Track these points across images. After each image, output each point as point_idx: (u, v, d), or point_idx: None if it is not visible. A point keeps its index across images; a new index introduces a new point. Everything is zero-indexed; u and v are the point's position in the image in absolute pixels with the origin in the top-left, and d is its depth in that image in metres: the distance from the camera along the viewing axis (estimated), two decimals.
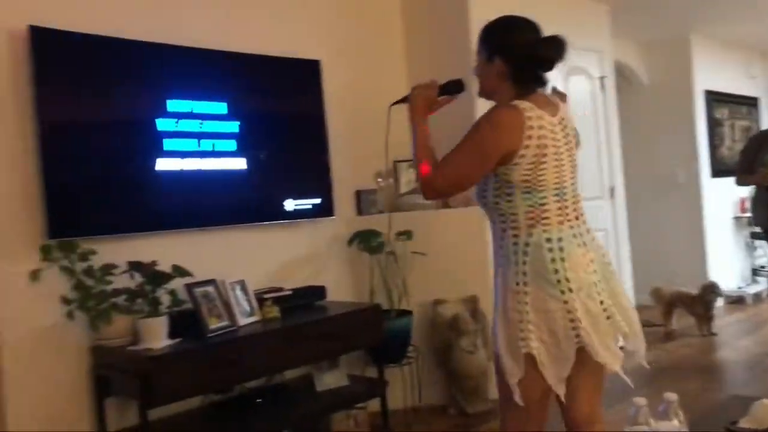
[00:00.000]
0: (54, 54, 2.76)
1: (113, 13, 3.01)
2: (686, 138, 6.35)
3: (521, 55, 1.85)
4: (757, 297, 6.50)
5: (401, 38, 4.42)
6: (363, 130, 4.11)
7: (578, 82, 4.85)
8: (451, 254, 3.95)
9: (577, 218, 1.88)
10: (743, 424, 1.75)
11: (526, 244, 1.83)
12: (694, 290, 5.21)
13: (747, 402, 1.82)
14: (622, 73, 6.21)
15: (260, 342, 2.87)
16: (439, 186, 1.90)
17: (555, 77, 4.77)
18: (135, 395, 2.60)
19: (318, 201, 3.65)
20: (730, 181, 6.73)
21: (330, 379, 3.31)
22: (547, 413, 1.90)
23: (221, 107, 3.26)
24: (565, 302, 1.76)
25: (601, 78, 5.06)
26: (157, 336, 2.66)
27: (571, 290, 1.77)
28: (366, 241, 3.72)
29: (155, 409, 2.64)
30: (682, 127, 6.35)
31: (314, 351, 3.07)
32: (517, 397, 1.82)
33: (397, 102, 2.12)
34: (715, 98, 6.60)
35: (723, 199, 6.59)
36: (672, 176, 6.35)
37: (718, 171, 6.53)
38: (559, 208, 1.84)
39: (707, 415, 1.98)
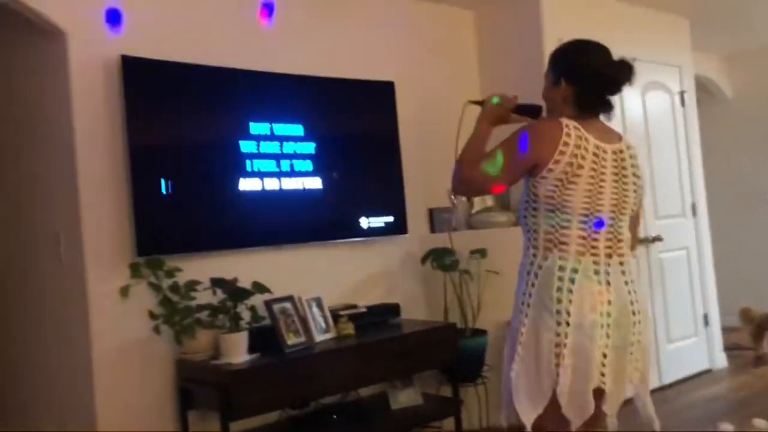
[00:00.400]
0: (144, 81, 2.92)
1: (198, 42, 3.15)
2: None
3: (587, 77, 1.85)
4: None
5: (475, 58, 4.43)
6: (436, 148, 4.13)
7: (656, 97, 4.73)
8: None
9: (610, 255, 1.78)
10: None
11: (539, 267, 1.79)
12: None
13: None
14: (703, 87, 6.01)
15: (336, 359, 2.91)
16: (467, 178, 1.88)
17: (631, 92, 4.68)
18: (216, 408, 2.68)
19: (391, 219, 3.70)
20: None
21: (404, 398, 3.32)
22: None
23: (298, 129, 3.36)
24: (557, 335, 1.71)
25: (681, 93, 4.91)
26: (238, 351, 2.75)
27: (568, 324, 1.70)
28: (439, 259, 3.72)
29: (235, 422, 2.71)
30: None
31: (389, 369, 3.09)
32: (502, 418, 1.85)
33: (474, 102, 2.14)
34: None
35: None
36: (760, 192, 6.08)
37: None
38: (583, 237, 1.77)
39: None
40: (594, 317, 1.71)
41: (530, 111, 2.04)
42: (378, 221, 3.64)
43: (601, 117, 1.91)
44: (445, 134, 4.15)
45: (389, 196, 3.74)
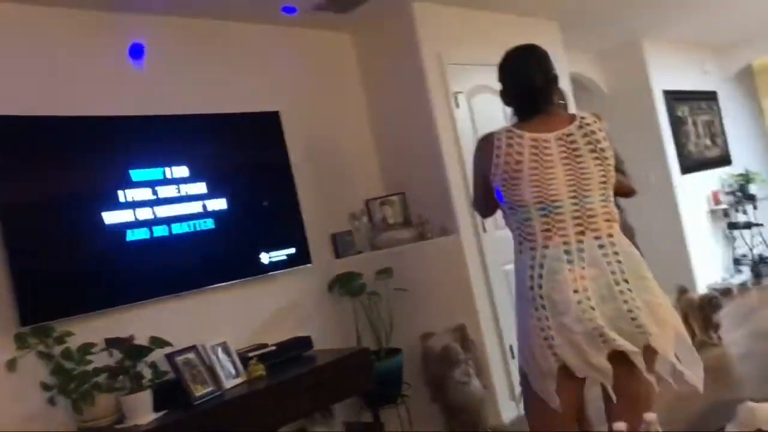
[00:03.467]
0: (9, 139, 2.75)
1: (66, 93, 3.02)
2: (652, 139, 6.42)
3: (506, 87, 2.05)
4: (743, 286, 6.54)
5: (358, 80, 4.46)
6: (331, 173, 4.13)
7: None
8: (434, 286, 3.95)
9: (581, 233, 1.84)
10: (730, 428, 1.74)
11: (517, 261, 1.91)
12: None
13: (735, 405, 1.81)
14: (581, 84, 6.30)
15: (248, 403, 2.82)
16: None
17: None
18: None
19: (293, 250, 3.64)
20: (700, 176, 6.84)
21: (324, 430, 3.27)
22: (572, 420, 1.92)
23: (184, 170, 3.26)
24: (539, 319, 1.79)
25: None
26: (143, 411, 2.62)
27: (544, 307, 1.79)
28: (346, 284, 3.71)
29: None
30: (647, 128, 6.42)
31: (305, 404, 3.03)
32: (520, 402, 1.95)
33: None
34: (674, 97, 6.70)
35: (696, 194, 6.65)
36: (643, 178, 6.36)
37: (687, 167, 6.61)
38: (546, 223, 1.85)
39: (696, 422, 1.97)
40: (568, 296, 1.77)
41: None
42: (279, 254, 3.58)
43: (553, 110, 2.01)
44: (339, 158, 4.20)
45: (288, 227, 3.68)
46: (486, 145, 1.95)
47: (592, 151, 1.89)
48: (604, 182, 1.89)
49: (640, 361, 1.78)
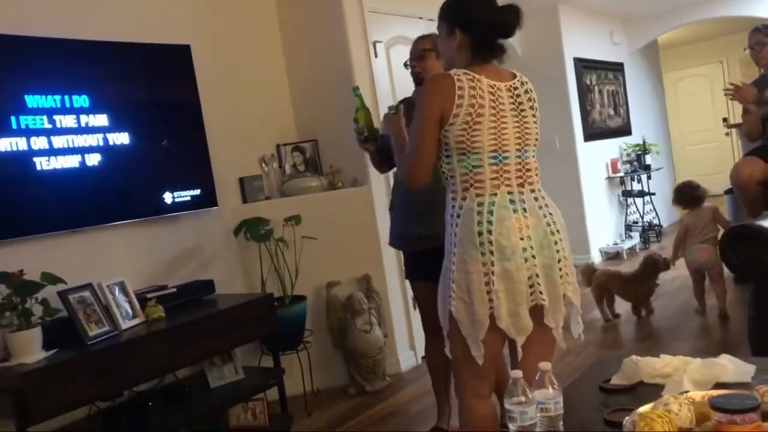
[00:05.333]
0: None
1: None
2: (561, 105, 6.60)
3: (478, 25, 1.92)
4: (632, 251, 6.93)
5: (275, 19, 4.32)
6: (243, 115, 4.02)
7: None
8: (342, 235, 3.95)
9: (522, 185, 1.90)
10: (615, 380, 1.85)
11: (460, 207, 1.89)
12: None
13: (620, 358, 1.92)
14: None
15: (145, 344, 2.74)
16: (409, 171, 1.96)
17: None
18: (10, 414, 2.43)
19: (198, 192, 3.53)
20: (602, 144, 7.13)
21: (223, 374, 3.24)
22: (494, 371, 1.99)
23: (85, 100, 3.07)
24: (484, 264, 1.82)
25: None
26: (31, 349, 2.50)
27: (492, 252, 1.82)
28: (253, 229, 3.64)
29: (37, 425, 2.48)
30: (557, 94, 6.58)
31: (205, 348, 2.98)
32: (447, 350, 1.97)
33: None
34: (583, 65, 6.90)
35: (595, 161, 6.94)
36: (549, 142, 6.56)
37: (590, 135, 6.86)
38: (495, 172, 1.87)
39: (585, 374, 2.08)
40: (516, 242, 1.82)
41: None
42: (184, 195, 3.45)
43: (495, 62, 1.99)
44: (252, 100, 4.07)
45: (194, 167, 3.55)
46: (446, 85, 1.86)
47: (531, 108, 1.97)
48: (536, 140, 2.00)
49: (553, 320, 1.88)
